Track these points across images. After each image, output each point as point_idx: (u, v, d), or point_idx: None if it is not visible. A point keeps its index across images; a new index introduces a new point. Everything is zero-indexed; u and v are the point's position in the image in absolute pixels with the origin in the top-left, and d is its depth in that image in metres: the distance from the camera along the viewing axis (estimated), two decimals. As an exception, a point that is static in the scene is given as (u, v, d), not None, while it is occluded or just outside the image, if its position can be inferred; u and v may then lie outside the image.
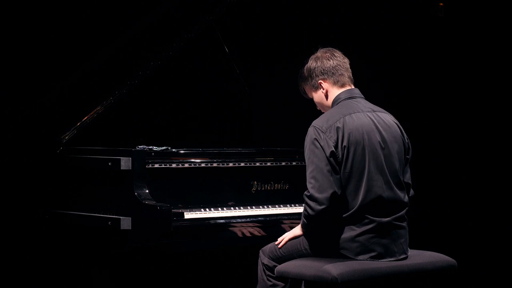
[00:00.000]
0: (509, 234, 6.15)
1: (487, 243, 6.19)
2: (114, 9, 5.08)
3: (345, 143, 3.89)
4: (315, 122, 3.98)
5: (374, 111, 4.06)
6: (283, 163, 4.74)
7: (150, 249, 4.19)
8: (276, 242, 4.14)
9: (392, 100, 6.18)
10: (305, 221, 3.96)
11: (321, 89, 4.12)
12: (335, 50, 4.15)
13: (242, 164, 4.61)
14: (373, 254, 3.91)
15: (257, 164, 4.67)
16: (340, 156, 3.89)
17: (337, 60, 4.11)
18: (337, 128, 3.91)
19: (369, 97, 4.24)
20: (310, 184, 3.89)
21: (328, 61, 4.10)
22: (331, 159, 3.87)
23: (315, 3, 6.02)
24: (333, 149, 3.88)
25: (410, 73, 6.34)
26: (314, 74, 4.11)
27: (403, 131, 4.10)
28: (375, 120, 4.00)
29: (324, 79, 4.10)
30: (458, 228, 6.24)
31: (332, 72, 4.09)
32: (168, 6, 4.91)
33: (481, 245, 6.19)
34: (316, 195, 3.86)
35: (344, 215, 3.91)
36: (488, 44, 6.20)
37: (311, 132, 3.95)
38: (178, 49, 4.73)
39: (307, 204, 3.90)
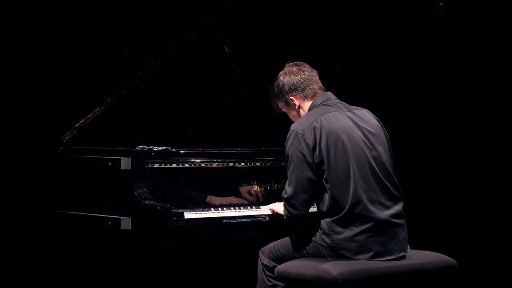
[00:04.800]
0: (509, 234, 6.15)
1: (487, 243, 6.19)
2: (114, 9, 5.07)
3: (323, 142, 3.94)
4: (293, 125, 4.04)
5: (351, 110, 4.11)
6: (283, 163, 4.73)
7: (150, 249, 4.18)
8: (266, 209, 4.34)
9: (392, 100, 6.18)
10: (286, 219, 4.08)
11: (294, 105, 4.18)
12: (303, 63, 4.20)
13: (242, 164, 4.61)
14: (372, 253, 3.92)
15: (257, 164, 4.67)
16: (318, 156, 3.94)
17: (305, 74, 4.16)
18: (314, 127, 3.96)
19: (368, 97, 4.26)
20: (287, 187, 3.99)
21: (295, 76, 4.15)
22: (310, 160, 3.93)
23: (315, 3, 6.02)
24: (311, 150, 3.93)
25: (410, 73, 6.34)
26: (284, 91, 4.18)
27: (381, 123, 4.15)
28: (353, 118, 4.05)
29: (294, 95, 4.17)
30: (458, 228, 6.24)
31: (302, 88, 4.14)
32: (168, 6, 4.91)
33: (481, 245, 6.19)
34: (292, 201, 3.97)
35: (339, 214, 3.92)
36: (488, 44, 6.20)
37: (289, 135, 4.01)
38: (178, 49, 4.72)
39: (285, 207, 4.02)
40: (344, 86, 4.64)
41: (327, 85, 4.33)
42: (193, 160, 4.47)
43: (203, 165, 4.49)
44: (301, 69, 4.17)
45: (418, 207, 4.25)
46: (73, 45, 4.98)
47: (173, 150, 4.42)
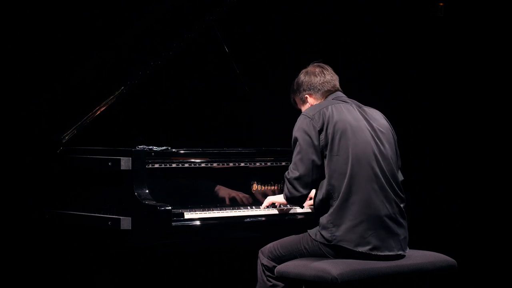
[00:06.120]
0: (509, 234, 6.15)
1: (487, 243, 6.19)
2: (114, 9, 5.07)
3: (331, 127, 4.01)
4: (304, 111, 4.14)
5: (362, 107, 4.19)
6: (283, 163, 4.74)
7: (150, 249, 4.18)
8: (262, 206, 4.41)
9: (392, 100, 6.18)
10: (286, 200, 4.14)
11: (307, 103, 4.27)
12: (326, 67, 4.28)
13: (242, 164, 4.61)
14: (370, 246, 3.95)
15: (257, 164, 4.67)
16: (324, 139, 4.00)
17: (325, 78, 4.24)
18: (324, 113, 4.04)
19: (368, 97, 4.28)
20: (291, 169, 4.04)
21: (315, 77, 4.24)
22: (316, 143, 4.00)
23: (315, 3, 6.02)
24: (318, 132, 4.01)
25: (410, 73, 6.34)
26: (301, 89, 4.27)
27: (391, 125, 4.22)
28: (363, 112, 4.14)
29: (310, 94, 4.26)
30: (458, 228, 6.24)
31: (318, 89, 4.24)
32: (168, 6, 4.91)
33: (481, 245, 6.19)
34: (294, 182, 4.02)
35: (335, 202, 3.97)
36: (488, 44, 6.20)
37: (299, 119, 4.10)
38: (178, 49, 4.73)
39: (286, 186, 4.07)
40: (344, 86, 4.63)
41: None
42: (193, 160, 4.47)
43: (203, 165, 4.49)
44: (323, 72, 4.25)
45: (418, 207, 4.25)
46: (73, 45, 4.98)
47: (173, 150, 4.42)
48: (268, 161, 4.71)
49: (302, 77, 4.27)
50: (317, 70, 4.26)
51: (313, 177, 4.02)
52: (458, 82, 6.29)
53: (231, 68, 5.00)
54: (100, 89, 4.72)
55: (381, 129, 4.12)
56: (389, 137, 4.14)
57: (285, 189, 4.09)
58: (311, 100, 4.25)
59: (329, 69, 4.28)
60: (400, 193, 4.08)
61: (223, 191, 4.54)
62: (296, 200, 4.09)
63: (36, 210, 4.66)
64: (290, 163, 4.09)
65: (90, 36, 5.00)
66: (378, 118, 4.17)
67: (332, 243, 3.96)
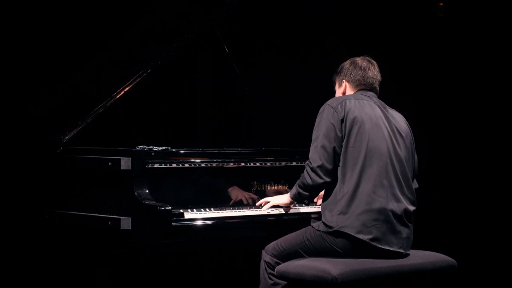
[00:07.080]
0: (509, 234, 6.15)
1: (487, 243, 6.19)
2: (114, 9, 5.07)
3: (351, 118, 4.06)
4: (328, 101, 4.19)
5: (386, 108, 4.25)
6: (283, 163, 4.74)
7: (150, 249, 4.18)
8: (258, 203, 4.44)
9: (392, 100, 6.17)
10: (301, 191, 4.16)
11: (342, 87, 4.32)
12: (375, 65, 4.32)
13: (242, 164, 4.61)
14: (371, 236, 3.97)
15: (257, 164, 4.67)
16: (344, 129, 4.06)
17: (367, 74, 4.28)
18: (346, 104, 4.10)
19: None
20: (313, 157, 4.06)
21: (359, 70, 4.28)
22: (338, 133, 4.05)
23: (314, 3, 6.02)
24: (340, 122, 4.06)
25: (410, 73, 6.34)
26: (343, 73, 4.32)
27: (411, 131, 4.27)
28: (385, 112, 4.20)
29: (347, 81, 4.31)
30: (458, 228, 6.24)
31: (358, 80, 4.28)
32: (168, 6, 4.91)
33: (481, 245, 6.19)
34: (318, 169, 4.04)
35: (345, 193, 4.01)
36: (488, 44, 6.20)
37: (322, 109, 4.14)
38: (178, 49, 4.73)
39: (308, 175, 4.08)
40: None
41: (328, 85, 4.36)
42: (193, 160, 4.46)
43: (203, 165, 4.49)
44: (369, 67, 4.29)
45: (418, 207, 4.27)
46: (73, 45, 4.98)
47: (173, 150, 4.42)
48: (268, 161, 4.71)
49: (348, 64, 4.32)
50: (364, 64, 4.29)
51: (334, 164, 4.06)
52: (458, 82, 6.29)
53: (231, 68, 5.00)
54: (100, 89, 4.72)
55: (401, 131, 4.18)
56: (407, 141, 4.20)
57: (306, 178, 4.10)
58: (346, 86, 4.30)
59: (376, 68, 4.31)
60: (410, 195, 4.12)
61: (223, 191, 4.54)
62: (318, 187, 4.11)
63: (36, 210, 4.66)
64: (310, 152, 4.12)
65: (90, 36, 5.00)
66: (399, 120, 4.23)
67: (334, 229, 3.98)
